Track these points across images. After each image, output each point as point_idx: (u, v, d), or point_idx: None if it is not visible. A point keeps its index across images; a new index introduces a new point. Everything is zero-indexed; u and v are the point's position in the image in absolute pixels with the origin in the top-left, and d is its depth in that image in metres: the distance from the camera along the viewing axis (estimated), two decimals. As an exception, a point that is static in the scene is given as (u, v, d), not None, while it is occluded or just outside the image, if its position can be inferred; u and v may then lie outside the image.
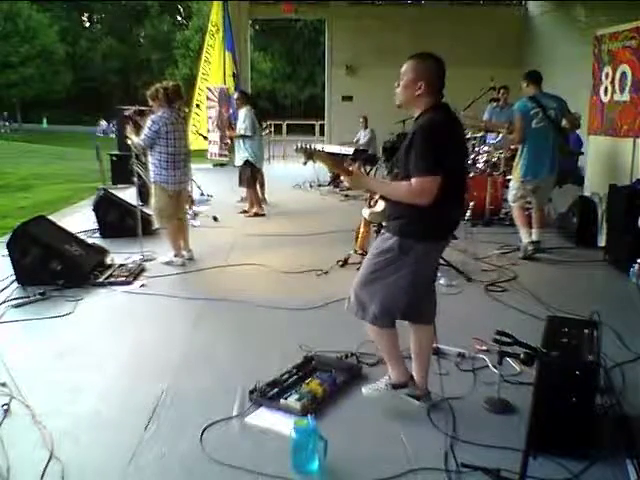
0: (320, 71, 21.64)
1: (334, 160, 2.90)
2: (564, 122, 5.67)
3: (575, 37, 10.55)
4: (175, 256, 5.45)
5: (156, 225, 6.00)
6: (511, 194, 5.86)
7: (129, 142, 5.40)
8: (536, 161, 5.55)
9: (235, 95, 8.86)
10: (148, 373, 3.31)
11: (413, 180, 2.43)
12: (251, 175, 7.73)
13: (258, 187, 8.20)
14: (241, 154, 7.78)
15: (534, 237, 5.72)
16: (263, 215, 7.87)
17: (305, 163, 2.71)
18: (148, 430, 2.69)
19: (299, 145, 2.73)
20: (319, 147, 2.89)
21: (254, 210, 7.88)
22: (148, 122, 5.14)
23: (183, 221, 5.60)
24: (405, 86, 2.56)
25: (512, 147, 6.77)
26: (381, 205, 2.72)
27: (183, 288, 4.81)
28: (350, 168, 2.78)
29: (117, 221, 6.43)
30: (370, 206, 2.83)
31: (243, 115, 7.74)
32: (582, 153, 7.38)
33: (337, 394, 2.98)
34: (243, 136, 7.64)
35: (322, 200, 9.44)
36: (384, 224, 2.77)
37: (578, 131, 6.83)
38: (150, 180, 5.40)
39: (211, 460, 2.45)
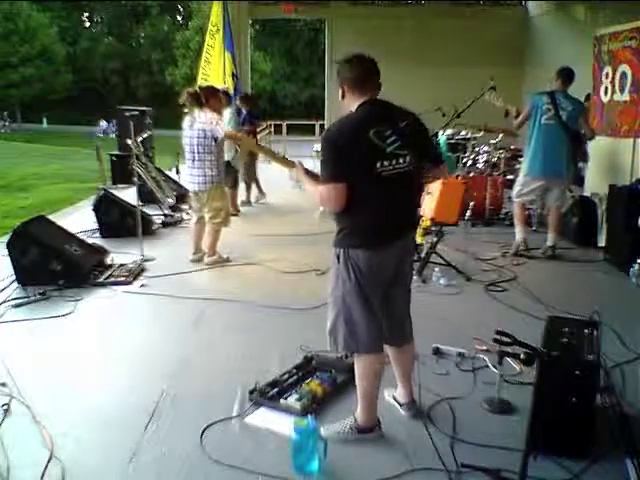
0: (320, 71, 21.62)
1: (264, 147, 2.83)
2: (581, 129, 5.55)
3: (575, 37, 10.53)
4: (213, 255, 5.53)
5: None
6: (515, 189, 5.84)
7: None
8: (542, 157, 5.49)
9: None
10: (148, 373, 3.32)
11: (320, 187, 2.41)
12: (232, 177, 7.74)
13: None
14: None
15: (549, 242, 5.70)
16: (236, 215, 7.81)
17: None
18: (148, 430, 2.69)
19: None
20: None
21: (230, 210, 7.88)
22: None
23: (203, 224, 5.57)
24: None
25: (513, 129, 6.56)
26: None
27: (183, 288, 4.81)
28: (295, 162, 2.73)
29: (117, 221, 6.43)
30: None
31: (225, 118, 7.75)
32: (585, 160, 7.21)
33: (337, 394, 2.98)
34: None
35: (322, 200, 9.41)
36: None
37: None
38: None
39: (211, 460, 2.46)
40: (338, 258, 2.47)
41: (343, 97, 2.51)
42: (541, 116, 5.47)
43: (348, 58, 2.51)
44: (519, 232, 5.79)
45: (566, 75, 5.55)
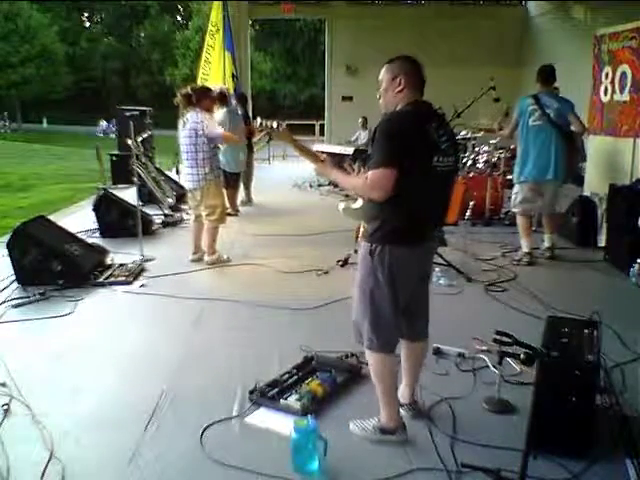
0: (320, 71, 21.63)
1: (297, 142, 2.78)
2: (571, 126, 5.43)
3: (575, 37, 10.56)
4: (213, 254, 5.54)
5: None
6: (512, 198, 5.70)
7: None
8: (533, 161, 5.37)
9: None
10: (148, 373, 3.32)
11: (368, 173, 2.35)
12: (224, 179, 7.69)
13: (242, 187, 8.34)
14: None
15: (546, 243, 5.65)
16: (236, 215, 7.83)
17: (268, 141, 2.60)
18: (148, 430, 2.69)
19: (261, 122, 2.68)
20: (284, 123, 2.73)
21: (228, 210, 7.90)
22: None
23: (201, 222, 5.59)
24: (386, 89, 2.51)
25: (500, 136, 6.59)
26: (359, 202, 2.57)
27: (183, 288, 4.80)
28: (322, 157, 2.70)
29: (117, 221, 6.43)
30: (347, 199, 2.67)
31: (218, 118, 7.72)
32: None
33: (337, 394, 2.98)
34: None
35: (322, 200, 9.43)
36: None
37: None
38: None
39: (211, 460, 2.46)
40: (372, 254, 2.43)
41: (400, 89, 2.46)
42: (528, 118, 5.36)
43: (407, 56, 2.54)
44: (524, 245, 5.56)
45: (546, 75, 5.42)
